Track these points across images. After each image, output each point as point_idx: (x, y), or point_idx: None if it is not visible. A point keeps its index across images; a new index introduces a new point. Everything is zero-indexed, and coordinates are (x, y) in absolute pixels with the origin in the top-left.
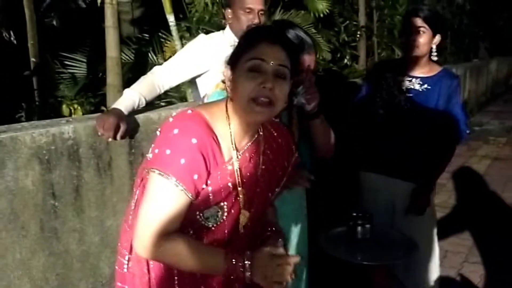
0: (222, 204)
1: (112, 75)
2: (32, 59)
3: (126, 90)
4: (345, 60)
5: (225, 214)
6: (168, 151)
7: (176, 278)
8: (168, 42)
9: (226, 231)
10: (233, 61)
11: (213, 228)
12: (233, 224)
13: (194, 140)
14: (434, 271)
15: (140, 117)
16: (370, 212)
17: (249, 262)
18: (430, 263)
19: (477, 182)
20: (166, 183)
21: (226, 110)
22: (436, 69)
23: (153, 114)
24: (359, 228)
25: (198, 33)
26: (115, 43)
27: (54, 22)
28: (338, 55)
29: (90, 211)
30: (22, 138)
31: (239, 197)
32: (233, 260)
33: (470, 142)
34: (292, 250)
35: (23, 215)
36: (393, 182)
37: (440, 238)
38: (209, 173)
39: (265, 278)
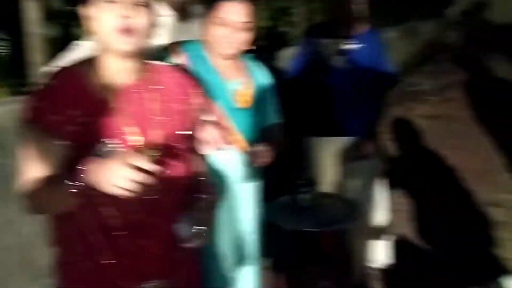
0: (107, 141)
1: (35, 53)
2: None
3: (45, 68)
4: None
5: (114, 151)
6: (32, 100)
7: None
8: None
9: None
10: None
11: None
12: None
13: (52, 81)
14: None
15: None
16: (314, 178)
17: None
18: (379, 219)
19: (416, 140)
20: (30, 127)
21: (95, 59)
22: (364, 27)
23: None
24: (302, 196)
25: None
26: (36, 17)
27: None
28: (272, 21)
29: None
30: None
31: (127, 133)
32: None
33: (406, 103)
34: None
35: None
36: (343, 142)
37: None
38: (82, 114)
39: (100, 180)
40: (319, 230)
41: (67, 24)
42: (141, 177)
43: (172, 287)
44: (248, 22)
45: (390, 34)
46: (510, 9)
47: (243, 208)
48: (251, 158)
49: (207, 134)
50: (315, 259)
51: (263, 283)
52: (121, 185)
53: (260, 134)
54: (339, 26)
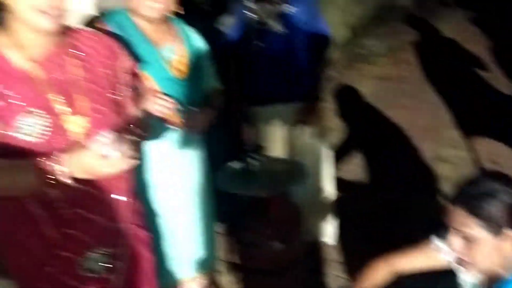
0: (33, 110)
1: None
2: None
3: None
4: None
5: (46, 121)
6: None
7: None
8: None
9: (62, 142)
10: None
11: (37, 141)
12: (65, 134)
13: None
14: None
15: None
16: (261, 144)
17: (59, 166)
18: (326, 183)
19: (364, 101)
20: None
21: (9, 26)
22: None
23: None
24: (250, 161)
25: None
26: None
27: None
28: None
29: None
30: None
31: (52, 101)
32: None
33: (357, 64)
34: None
35: None
36: (287, 108)
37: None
38: (5, 86)
39: (83, 169)
40: (267, 194)
41: None
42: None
43: (116, 256)
44: None
45: None
46: None
47: (184, 175)
48: (187, 123)
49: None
50: (265, 222)
51: (215, 248)
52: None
53: (197, 101)
54: None
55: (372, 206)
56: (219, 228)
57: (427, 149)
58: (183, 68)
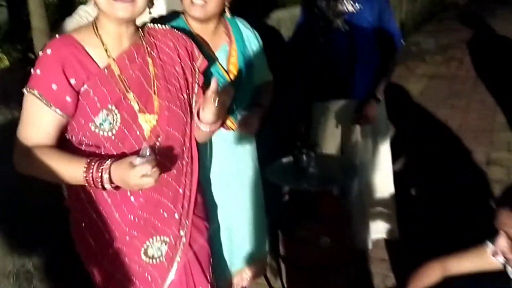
0: (110, 107)
1: (37, 18)
2: None
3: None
4: None
5: (118, 117)
6: (33, 69)
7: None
8: None
9: (130, 139)
10: None
11: (112, 137)
12: (135, 130)
13: (48, 51)
14: (387, 190)
15: None
16: (317, 141)
17: (107, 173)
18: (382, 183)
19: (415, 100)
20: (30, 97)
21: (94, 25)
22: None
23: None
24: (303, 157)
25: None
26: None
27: None
28: None
29: None
30: None
31: (128, 98)
32: (92, 170)
33: (407, 62)
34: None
35: None
36: (345, 104)
37: None
38: (82, 81)
39: (126, 184)
40: (317, 189)
41: None
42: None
43: (175, 244)
44: None
45: None
46: None
47: (237, 172)
48: (240, 126)
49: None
50: (315, 218)
51: (266, 242)
52: (140, 184)
53: (248, 98)
54: None
55: (426, 207)
56: (270, 223)
57: (479, 151)
58: (236, 69)
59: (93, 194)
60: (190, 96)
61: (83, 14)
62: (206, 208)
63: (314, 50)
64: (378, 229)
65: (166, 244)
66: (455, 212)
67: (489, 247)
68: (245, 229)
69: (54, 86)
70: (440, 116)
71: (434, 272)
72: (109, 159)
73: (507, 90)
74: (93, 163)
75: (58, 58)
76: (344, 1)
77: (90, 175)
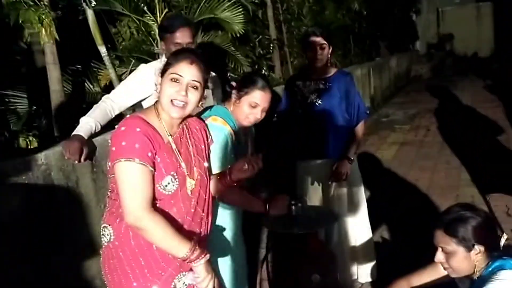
0: (173, 173)
1: (57, 106)
2: None
3: (83, 118)
4: (263, 71)
5: (177, 181)
6: (123, 143)
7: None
8: (101, 71)
9: (180, 196)
10: (162, 72)
11: (170, 195)
12: (184, 190)
13: (138, 129)
14: (365, 235)
15: (98, 140)
16: (300, 194)
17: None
18: (360, 231)
19: (388, 165)
20: (133, 165)
21: (156, 110)
22: (333, 71)
23: (108, 136)
24: (293, 207)
25: (130, 60)
26: (56, 77)
27: None
28: (256, 67)
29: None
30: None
31: (182, 167)
32: (194, 254)
33: (379, 131)
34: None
35: None
36: (323, 163)
37: None
38: (156, 152)
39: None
40: (305, 232)
41: (76, 81)
42: None
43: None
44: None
45: (364, 71)
46: (468, 41)
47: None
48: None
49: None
50: (304, 258)
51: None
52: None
53: None
54: (313, 71)
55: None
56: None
57: (446, 205)
58: None
59: (140, 236)
60: (205, 162)
61: (109, 102)
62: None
63: (295, 119)
64: (365, 273)
65: (188, 278)
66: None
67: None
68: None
69: (149, 154)
70: (410, 177)
71: (400, 286)
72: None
73: (470, 151)
74: (196, 248)
75: (146, 133)
76: (318, 81)
77: (193, 256)
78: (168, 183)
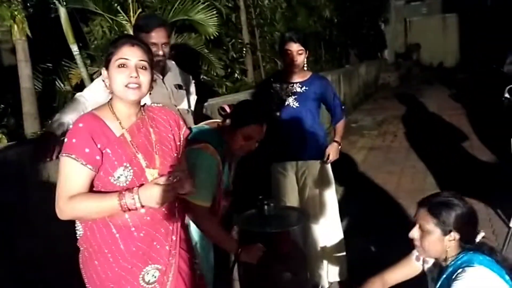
0: (126, 164)
1: (28, 105)
2: None
3: (55, 115)
4: (236, 75)
5: (131, 172)
6: (66, 139)
7: None
8: (73, 69)
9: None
10: (106, 64)
11: (126, 187)
12: (143, 181)
13: (80, 125)
14: (336, 235)
15: None
16: (275, 195)
17: (137, 195)
18: (331, 230)
19: (357, 168)
20: (67, 159)
21: (110, 106)
22: (308, 74)
23: None
24: (265, 207)
25: (101, 59)
26: (27, 75)
27: None
28: (229, 71)
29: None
30: None
31: (138, 158)
32: (124, 196)
33: (349, 137)
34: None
35: None
36: (300, 164)
37: None
38: (104, 146)
39: (153, 200)
40: (276, 231)
41: (46, 79)
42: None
43: (166, 271)
44: None
45: (334, 77)
46: (434, 52)
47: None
48: None
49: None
50: (275, 257)
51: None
52: (160, 201)
53: None
54: (290, 74)
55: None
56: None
57: (413, 207)
58: None
59: (104, 230)
60: (178, 154)
61: (82, 99)
62: (190, 244)
63: (272, 122)
64: (334, 273)
65: (159, 271)
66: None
67: (413, 253)
68: None
69: (87, 150)
70: (379, 180)
71: (375, 285)
72: (136, 187)
73: (435, 156)
74: (123, 192)
75: (88, 129)
76: (294, 85)
77: (123, 200)
78: (121, 175)
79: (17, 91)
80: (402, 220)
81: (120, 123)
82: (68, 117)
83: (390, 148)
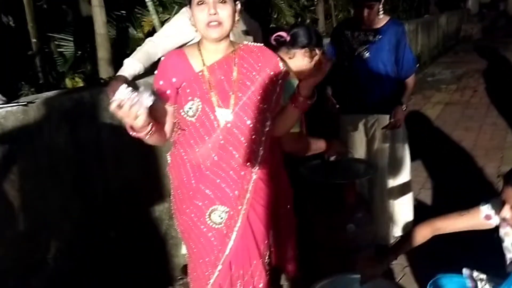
0: (196, 99)
1: (102, 50)
2: (33, 40)
3: (126, 60)
4: (306, 23)
5: (200, 107)
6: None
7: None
8: (145, 17)
9: (207, 126)
10: (189, 3)
11: (195, 122)
12: (212, 120)
13: (163, 58)
14: (405, 191)
15: (140, 82)
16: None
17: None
18: (400, 185)
19: (432, 124)
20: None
21: (198, 44)
22: (384, 20)
23: (151, 79)
24: (331, 159)
25: (172, 7)
26: (102, 21)
27: (45, 5)
28: (300, 19)
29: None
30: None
31: (210, 95)
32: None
33: (424, 91)
34: None
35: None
36: (370, 117)
37: None
38: (181, 80)
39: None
40: (342, 182)
41: (119, 26)
42: None
43: (234, 216)
44: None
45: (411, 27)
46: None
47: None
48: None
49: None
50: (341, 208)
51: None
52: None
53: None
54: (362, 21)
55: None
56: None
57: (491, 167)
58: None
59: (187, 163)
60: (269, 99)
61: (151, 44)
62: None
63: (340, 72)
64: (400, 229)
65: (226, 213)
66: None
67: (482, 211)
68: None
69: (161, 82)
70: (455, 137)
71: (424, 230)
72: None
73: None
74: None
75: (168, 63)
76: (367, 32)
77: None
78: (190, 108)
79: (93, 39)
80: (477, 179)
81: (202, 60)
82: (139, 62)
83: (468, 104)
